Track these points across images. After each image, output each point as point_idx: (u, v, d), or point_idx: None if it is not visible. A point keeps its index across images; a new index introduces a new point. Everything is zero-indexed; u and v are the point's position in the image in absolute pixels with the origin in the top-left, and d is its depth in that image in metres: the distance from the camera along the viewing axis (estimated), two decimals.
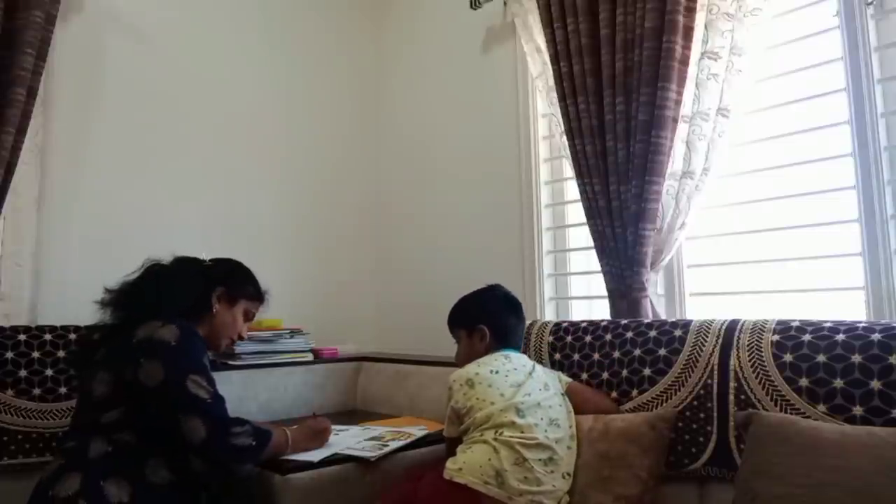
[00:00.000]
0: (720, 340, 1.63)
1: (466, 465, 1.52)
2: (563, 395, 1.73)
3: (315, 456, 1.71)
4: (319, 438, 1.80)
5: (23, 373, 1.89)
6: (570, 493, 1.56)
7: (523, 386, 1.66)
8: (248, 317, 1.84)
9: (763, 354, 1.54)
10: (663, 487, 1.60)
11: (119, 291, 1.65)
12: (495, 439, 1.54)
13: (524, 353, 1.95)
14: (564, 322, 2.02)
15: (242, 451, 1.51)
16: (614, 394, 1.76)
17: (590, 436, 1.64)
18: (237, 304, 1.79)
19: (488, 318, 1.83)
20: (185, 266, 1.74)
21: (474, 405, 1.63)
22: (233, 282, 1.79)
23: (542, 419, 1.60)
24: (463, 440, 1.63)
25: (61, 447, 1.54)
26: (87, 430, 1.50)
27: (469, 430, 1.62)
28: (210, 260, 1.83)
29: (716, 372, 1.60)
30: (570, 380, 1.81)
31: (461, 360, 1.83)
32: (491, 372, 1.69)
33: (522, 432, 1.55)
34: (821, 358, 1.45)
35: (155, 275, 1.68)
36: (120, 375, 1.51)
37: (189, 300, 1.67)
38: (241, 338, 1.83)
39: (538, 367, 1.79)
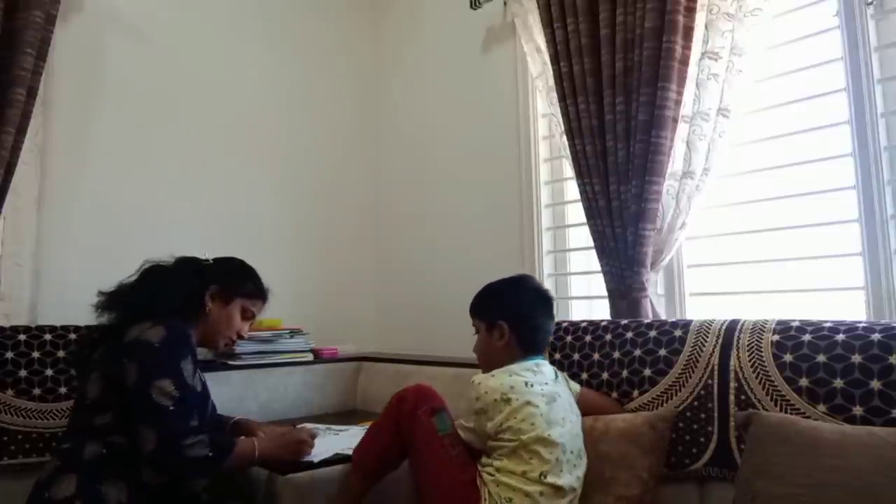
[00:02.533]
0: (720, 340, 1.63)
1: None
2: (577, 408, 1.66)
3: (315, 456, 1.71)
4: (294, 450, 1.68)
5: (23, 373, 1.89)
6: None
7: (556, 406, 1.56)
8: (248, 315, 1.80)
9: (763, 354, 1.54)
10: (664, 487, 1.60)
11: (113, 293, 1.64)
12: (528, 495, 1.46)
13: None
14: (564, 322, 2.02)
15: (196, 462, 1.44)
16: (614, 394, 1.76)
17: (590, 435, 1.63)
18: (232, 302, 1.75)
19: (512, 314, 1.66)
20: (181, 266, 1.73)
21: (513, 426, 1.51)
22: (229, 280, 1.76)
23: (571, 452, 1.53)
24: (494, 462, 1.53)
25: (57, 448, 1.53)
26: (81, 431, 1.49)
27: (501, 452, 1.52)
28: (212, 259, 1.81)
29: (716, 372, 1.60)
30: (579, 387, 1.77)
31: (479, 357, 1.73)
32: (526, 384, 1.55)
33: (557, 476, 1.48)
34: (821, 358, 1.45)
35: (149, 275, 1.68)
36: (109, 377, 1.51)
37: (180, 299, 1.65)
38: (240, 337, 1.80)
39: (560, 378, 1.69)
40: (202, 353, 2.28)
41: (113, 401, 1.49)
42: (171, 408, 1.45)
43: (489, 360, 1.68)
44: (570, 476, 1.52)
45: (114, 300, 1.63)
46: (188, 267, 1.74)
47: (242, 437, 1.63)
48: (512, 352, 1.65)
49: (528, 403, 1.52)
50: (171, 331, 1.54)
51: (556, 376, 1.67)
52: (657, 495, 1.58)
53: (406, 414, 1.61)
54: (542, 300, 1.72)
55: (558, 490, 1.48)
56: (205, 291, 1.71)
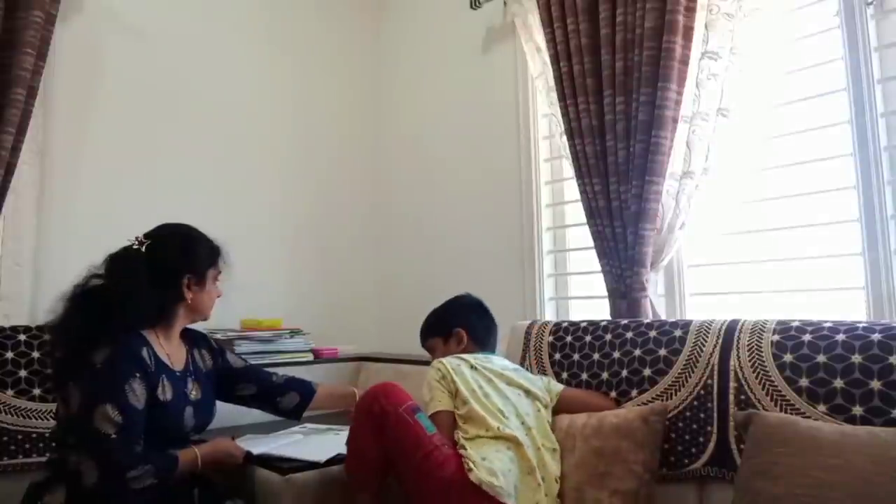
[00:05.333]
0: (720, 340, 1.63)
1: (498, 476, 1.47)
2: (545, 406, 1.70)
3: (317, 456, 1.71)
4: (231, 458, 1.67)
5: (23, 373, 1.89)
6: (560, 495, 1.57)
7: (499, 384, 1.68)
8: (217, 276, 1.71)
9: (763, 354, 1.54)
10: (663, 487, 1.60)
11: (58, 327, 1.53)
12: (497, 450, 1.53)
13: (523, 352, 1.99)
14: (564, 322, 2.02)
15: (143, 492, 1.40)
16: (614, 394, 1.76)
17: (583, 432, 1.64)
18: (205, 278, 1.67)
19: (465, 321, 1.85)
20: (129, 278, 1.57)
21: (462, 394, 1.63)
22: (191, 262, 1.65)
23: (522, 423, 1.62)
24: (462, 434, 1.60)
25: (48, 458, 1.54)
26: (62, 445, 1.50)
27: (461, 417, 1.62)
28: (145, 236, 1.64)
29: (716, 372, 1.60)
30: (561, 387, 1.79)
31: None
32: (472, 367, 1.70)
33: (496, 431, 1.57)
34: (821, 358, 1.45)
35: (92, 299, 1.55)
36: (65, 400, 1.49)
37: (154, 310, 1.57)
38: (218, 296, 1.73)
39: (520, 370, 1.78)
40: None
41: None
42: (114, 436, 1.39)
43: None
44: (521, 433, 1.58)
45: (64, 336, 1.53)
46: (136, 277, 1.57)
47: (185, 451, 1.56)
48: (470, 352, 1.78)
49: (469, 379, 1.66)
50: (118, 350, 1.46)
51: (514, 369, 1.77)
52: (653, 490, 1.58)
53: (384, 415, 1.57)
54: (483, 309, 1.91)
55: (517, 444, 1.55)
56: (178, 288, 1.62)
